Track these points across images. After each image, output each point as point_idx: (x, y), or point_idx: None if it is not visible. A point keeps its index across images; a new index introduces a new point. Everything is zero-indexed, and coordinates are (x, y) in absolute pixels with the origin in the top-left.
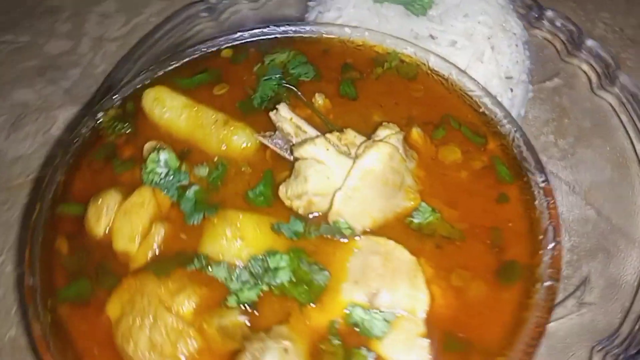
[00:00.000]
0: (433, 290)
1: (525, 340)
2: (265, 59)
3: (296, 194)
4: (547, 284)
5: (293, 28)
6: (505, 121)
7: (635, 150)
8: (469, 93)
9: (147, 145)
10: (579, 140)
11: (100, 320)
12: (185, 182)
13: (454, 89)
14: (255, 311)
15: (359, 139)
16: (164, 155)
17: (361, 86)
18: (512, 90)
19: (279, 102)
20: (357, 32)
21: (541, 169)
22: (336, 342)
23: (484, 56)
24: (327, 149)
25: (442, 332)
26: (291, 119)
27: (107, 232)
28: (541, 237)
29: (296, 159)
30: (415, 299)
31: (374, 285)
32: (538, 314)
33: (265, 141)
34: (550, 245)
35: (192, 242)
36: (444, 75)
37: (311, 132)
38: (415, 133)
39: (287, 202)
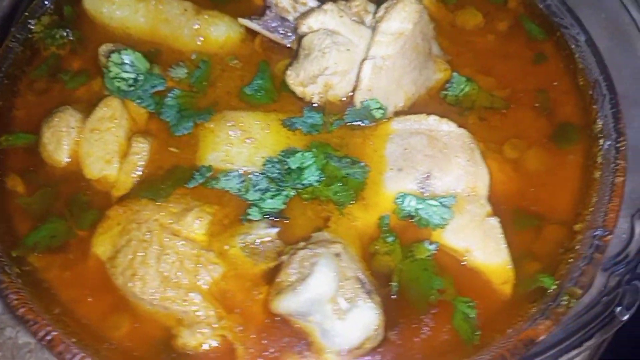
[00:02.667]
0: (489, 166)
1: (602, 202)
2: None
3: (310, 76)
4: (609, 142)
5: None
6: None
7: None
8: None
9: (103, 48)
10: None
11: (86, 264)
12: (161, 88)
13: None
14: (284, 220)
15: (371, 6)
16: (128, 57)
17: None
18: None
19: None
20: None
21: (576, 19)
22: (391, 239)
23: None
24: (341, 16)
25: (510, 209)
26: None
27: (71, 158)
28: (591, 91)
29: (302, 35)
30: (476, 176)
31: (422, 169)
32: (608, 174)
33: (253, 25)
34: (602, 99)
35: (186, 155)
36: None
37: (311, 2)
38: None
39: (299, 90)
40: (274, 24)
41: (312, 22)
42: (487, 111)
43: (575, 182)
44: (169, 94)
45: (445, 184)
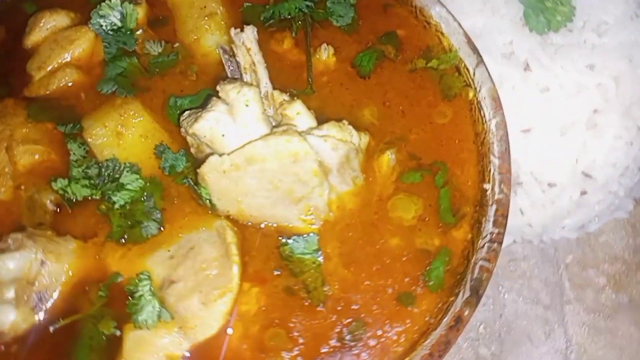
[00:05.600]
0: (238, 327)
1: None
2: None
3: (189, 130)
4: None
5: None
6: (493, 223)
7: None
8: (492, 157)
9: None
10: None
11: None
12: (129, 48)
13: (482, 138)
14: (69, 209)
15: (304, 121)
16: (126, 9)
17: (385, 68)
18: (585, 193)
19: (288, 27)
20: (432, 8)
21: (478, 299)
22: (101, 294)
23: (570, 128)
24: (247, 105)
25: None
26: (249, 50)
27: (32, 47)
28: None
29: (217, 94)
30: (199, 324)
31: (180, 274)
32: None
33: (223, 57)
34: None
35: (83, 107)
36: (485, 116)
37: (262, 77)
38: (386, 160)
39: (182, 132)
40: (233, 67)
41: (224, 92)
42: (301, 290)
43: None
44: (127, 57)
45: (177, 302)
